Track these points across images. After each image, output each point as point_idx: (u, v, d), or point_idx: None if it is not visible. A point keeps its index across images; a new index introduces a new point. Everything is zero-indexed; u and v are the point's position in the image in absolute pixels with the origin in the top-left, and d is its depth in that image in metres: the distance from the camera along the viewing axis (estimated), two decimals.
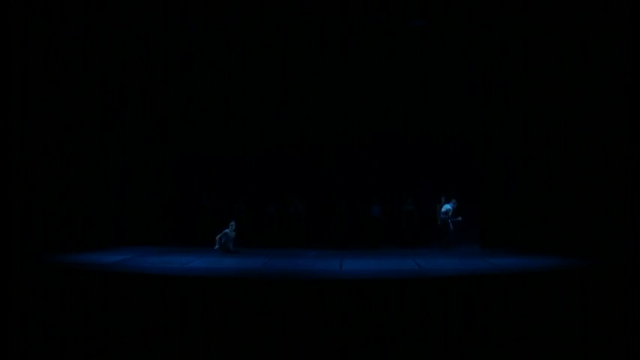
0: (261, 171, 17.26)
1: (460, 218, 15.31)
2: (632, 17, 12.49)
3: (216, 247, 14.39)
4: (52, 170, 14.57)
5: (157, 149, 17.03)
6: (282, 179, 17.22)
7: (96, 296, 9.74)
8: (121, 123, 16.38)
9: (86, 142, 15.46)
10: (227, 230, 14.56)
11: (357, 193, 16.93)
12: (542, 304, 9.18)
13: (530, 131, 14.94)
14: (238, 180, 17.24)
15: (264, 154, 17.28)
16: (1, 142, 13.37)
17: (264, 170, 17.25)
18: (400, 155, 16.99)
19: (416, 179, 16.81)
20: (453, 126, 16.76)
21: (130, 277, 10.86)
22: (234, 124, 17.29)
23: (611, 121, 13.06)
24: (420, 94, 16.93)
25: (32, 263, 12.07)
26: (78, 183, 15.17)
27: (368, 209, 16.34)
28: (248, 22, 16.44)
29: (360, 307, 9.15)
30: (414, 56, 16.85)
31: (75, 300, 9.52)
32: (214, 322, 8.67)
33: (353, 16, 16.13)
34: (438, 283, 10.47)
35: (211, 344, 8.12)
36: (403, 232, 16.19)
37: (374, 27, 16.58)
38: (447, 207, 15.32)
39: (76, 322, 8.72)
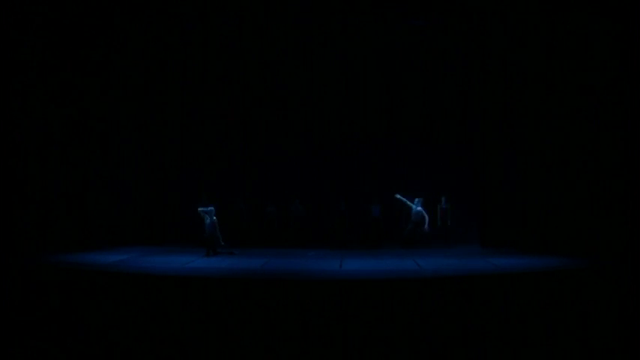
0: (261, 171, 17.25)
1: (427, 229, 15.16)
2: (630, 19, 12.51)
3: (222, 243, 14.21)
4: (52, 170, 14.58)
5: (157, 149, 17.03)
6: (282, 179, 17.21)
7: (96, 296, 9.74)
8: (120, 123, 16.38)
9: (86, 142, 15.47)
10: (215, 218, 14.16)
11: (357, 193, 16.93)
12: (542, 304, 9.17)
13: (530, 131, 14.95)
14: (238, 180, 17.23)
15: (265, 154, 17.27)
16: (1, 142, 13.38)
17: (264, 170, 17.24)
18: (400, 155, 16.97)
19: (416, 179, 16.80)
20: (453, 126, 16.75)
21: (130, 277, 10.86)
22: (234, 123, 17.29)
23: (611, 121, 13.07)
24: (419, 94, 16.93)
25: (32, 263, 12.07)
26: (78, 183, 15.18)
27: (368, 209, 16.33)
28: (249, 21, 16.45)
29: (360, 307, 9.14)
30: (414, 56, 16.85)
31: (75, 300, 9.53)
32: (214, 322, 8.66)
33: (353, 15, 16.13)
34: (438, 283, 10.47)
35: (211, 344, 8.12)
36: (403, 231, 16.18)
37: (374, 27, 16.59)
38: (419, 208, 15.19)
39: (76, 322, 8.72)
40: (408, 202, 15.24)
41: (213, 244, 14.04)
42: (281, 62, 17.11)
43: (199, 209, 14.20)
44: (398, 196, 15.30)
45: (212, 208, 14.23)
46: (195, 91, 17.27)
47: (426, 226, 15.08)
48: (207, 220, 14.02)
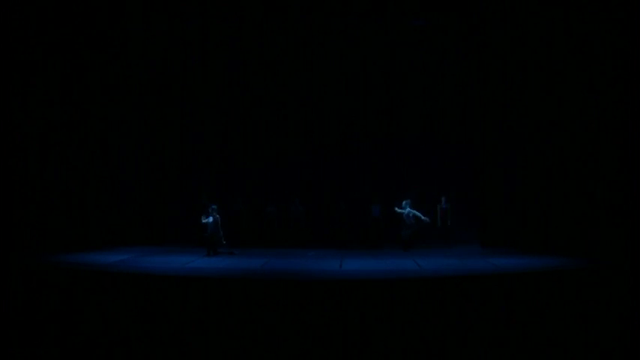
0: (261, 171, 17.25)
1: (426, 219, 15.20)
2: (630, 19, 12.51)
3: (224, 242, 14.22)
4: (52, 170, 14.57)
5: (157, 149, 17.03)
6: (282, 179, 17.21)
7: (96, 296, 9.74)
8: (121, 123, 16.38)
9: (86, 142, 15.48)
10: (218, 216, 14.18)
11: (357, 193, 16.93)
12: (542, 304, 9.18)
13: (530, 131, 14.95)
14: (238, 180, 17.23)
15: (265, 153, 17.27)
16: (2, 142, 13.38)
17: (264, 170, 17.24)
18: (400, 155, 16.98)
19: (416, 179, 16.80)
20: (453, 126, 16.76)
21: (130, 277, 10.86)
22: (234, 123, 17.29)
23: (611, 121, 13.07)
24: (420, 93, 16.93)
25: (32, 263, 12.06)
26: (78, 183, 15.18)
27: (368, 209, 16.33)
28: (249, 21, 16.45)
29: (360, 307, 9.14)
30: (414, 56, 16.86)
31: (75, 300, 9.53)
32: (214, 322, 8.66)
33: (353, 15, 16.13)
34: (438, 283, 10.47)
35: (211, 344, 8.12)
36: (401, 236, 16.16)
37: (374, 27, 16.59)
38: (407, 210, 15.18)
39: (75, 322, 8.72)
40: (400, 210, 15.25)
41: (213, 244, 14.04)
42: (281, 62, 17.11)
43: (203, 221, 14.18)
44: (396, 209, 15.29)
45: (215, 206, 14.22)
46: (195, 91, 17.27)
47: (423, 217, 15.08)
48: (210, 219, 14.02)
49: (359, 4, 15.77)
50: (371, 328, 8.41)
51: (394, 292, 9.71)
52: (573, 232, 13.66)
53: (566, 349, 7.73)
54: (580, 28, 13.67)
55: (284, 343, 8.02)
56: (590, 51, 13.48)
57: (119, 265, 12.20)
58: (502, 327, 8.41)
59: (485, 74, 15.85)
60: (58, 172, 14.68)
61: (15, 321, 8.79)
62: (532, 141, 14.88)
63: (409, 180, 16.78)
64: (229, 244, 14.40)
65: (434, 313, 8.91)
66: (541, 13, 14.39)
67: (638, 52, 12.48)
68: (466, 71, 16.45)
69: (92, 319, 8.78)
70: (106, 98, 15.93)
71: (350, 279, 10.66)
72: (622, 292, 9.56)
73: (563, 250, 13.56)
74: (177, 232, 16.85)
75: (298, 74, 17.15)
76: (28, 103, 14.03)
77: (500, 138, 15.61)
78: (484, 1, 15.30)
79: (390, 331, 8.30)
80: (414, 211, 15.12)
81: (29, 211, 13.83)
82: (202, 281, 10.56)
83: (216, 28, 16.79)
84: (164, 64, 16.98)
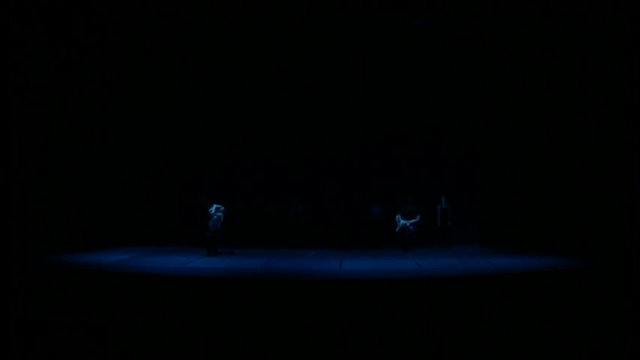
0: (261, 171, 17.25)
1: (418, 217, 15.42)
2: (631, 21, 12.52)
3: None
4: (52, 170, 14.58)
5: (157, 149, 17.03)
6: (282, 179, 17.20)
7: (96, 296, 9.75)
8: (120, 123, 16.39)
9: (86, 142, 15.48)
10: (221, 214, 14.22)
11: (357, 193, 16.93)
12: (542, 304, 9.18)
13: (530, 131, 14.96)
14: (238, 180, 17.23)
15: (265, 153, 17.27)
16: (2, 143, 13.39)
17: (264, 170, 17.24)
18: (400, 155, 16.99)
19: (416, 179, 16.80)
20: (453, 126, 16.77)
21: (130, 277, 10.87)
22: (234, 123, 17.29)
23: (611, 122, 13.08)
24: (420, 94, 16.93)
25: (32, 263, 12.07)
26: (78, 183, 15.18)
27: (368, 209, 16.33)
28: (249, 21, 16.44)
29: (360, 307, 9.15)
30: (415, 56, 16.86)
31: (75, 300, 9.53)
32: (214, 323, 8.67)
33: (353, 15, 16.12)
34: (438, 283, 10.47)
35: (211, 344, 8.12)
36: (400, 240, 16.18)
37: (374, 27, 16.58)
38: (402, 222, 15.39)
39: (75, 322, 8.72)
40: (398, 227, 15.45)
41: (214, 244, 14.05)
42: (281, 62, 17.10)
43: (212, 211, 14.16)
44: (397, 230, 15.43)
45: (217, 205, 14.24)
46: (196, 91, 17.26)
47: (416, 220, 15.30)
48: (215, 217, 14.01)
49: (359, 3, 15.75)
50: (371, 328, 8.41)
51: (394, 292, 9.71)
52: (573, 232, 13.66)
53: (566, 349, 7.74)
54: (581, 29, 13.67)
55: (284, 343, 8.02)
56: (590, 52, 13.49)
57: (119, 265, 12.21)
58: (502, 327, 8.41)
59: (485, 74, 15.86)
60: (58, 172, 14.68)
61: (15, 321, 8.79)
62: (532, 141, 14.89)
63: (409, 180, 16.77)
64: (229, 244, 14.41)
65: (434, 313, 8.92)
66: (542, 13, 14.38)
67: (637, 52, 12.48)
68: (467, 71, 16.45)
69: (92, 319, 8.79)
70: (106, 98, 15.93)
71: (350, 279, 10.67)
72: (622, 292, 9.56)
73: (563, 250, 13.57)
74: (177, 232, 16.85)
75: (298, 74, 17.15)
76: (28, 103, 14.03)
77: (500, 138, 15.62)
78: (485, 2, 15.28)
79: (390, 331, 8.30)
80: (408, 222, 15.26)
81: (29, 211, 13.83)
82: (202, 281, 10.57)
83: (216, 28, 16.76)
84: (164, 63, 16.96)
